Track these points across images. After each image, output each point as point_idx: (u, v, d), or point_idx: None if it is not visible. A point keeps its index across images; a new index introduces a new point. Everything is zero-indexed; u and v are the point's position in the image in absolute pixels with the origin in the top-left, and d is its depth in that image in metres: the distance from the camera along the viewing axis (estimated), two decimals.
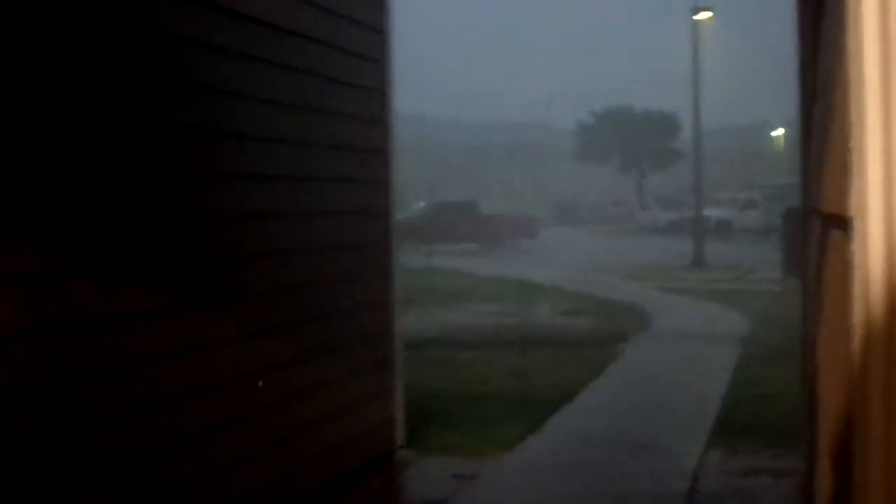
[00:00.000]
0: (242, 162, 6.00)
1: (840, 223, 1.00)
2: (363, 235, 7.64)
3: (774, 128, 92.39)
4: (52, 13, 4.37)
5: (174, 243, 5.25)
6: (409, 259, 27.36)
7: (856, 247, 0.92)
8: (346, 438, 7.17)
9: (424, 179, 79.80)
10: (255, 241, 6.10)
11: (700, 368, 12.32)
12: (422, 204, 47.19)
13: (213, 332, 5.55)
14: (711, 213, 48.74)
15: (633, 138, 74.62)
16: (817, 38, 1.60)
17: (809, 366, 2.98)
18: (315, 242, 6.87)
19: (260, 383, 5.93)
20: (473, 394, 10.47)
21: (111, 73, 4.77)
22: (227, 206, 5.80)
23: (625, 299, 20.58)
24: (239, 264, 5.90)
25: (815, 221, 2.15)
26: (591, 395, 10.61)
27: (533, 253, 39.75)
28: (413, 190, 67.57)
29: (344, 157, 7.34)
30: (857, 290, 0.90)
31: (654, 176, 78.98)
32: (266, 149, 6.26)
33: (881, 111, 0.84)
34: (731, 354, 13.20)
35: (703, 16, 35.79)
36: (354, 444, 7.30)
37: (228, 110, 5.86)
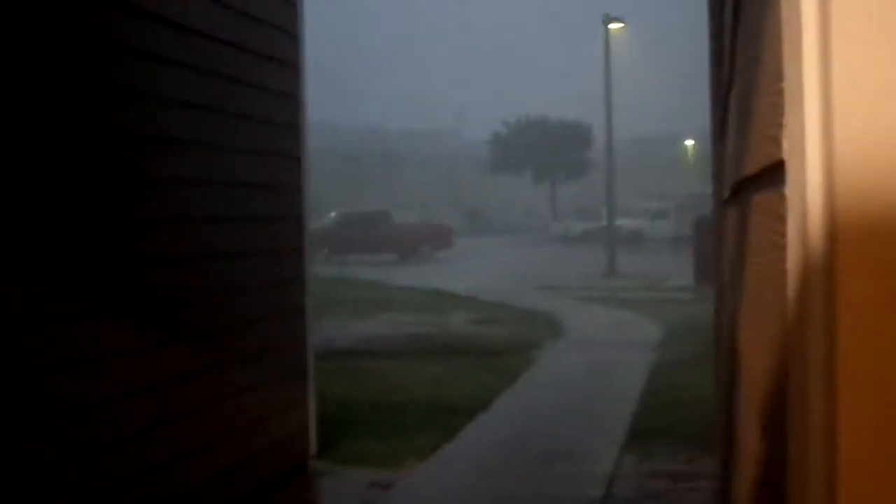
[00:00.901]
0: (155, 165, 5.86)
1: (769, 178, 0.96)
2: (276, 242, 7.52)
3: (685, 139, 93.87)
4: None
5: (84, 248, 5.10)
6: (321, 269, 27.24)
7: (790, 188, 0.87)
8: (259, 448, 7.05)
9: (336, 189, 79.65)
10: (167, 245, 5.96)
11: (614, 375, 12.37)
12: (333, 214, 46.98)
13: (121, 340, 5.40)
14: (624, 222, 49.33)
15: (546, 149, 75.27)
16: (737, 15, 1.58)
17: (726, 362, 2.96)
18: (228, 248, 6.74)
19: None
20: (387, 403, 10.39)
21: (34, 74, 4.62)
22: (138, 209, 5.66)
23: (538, 308, 20.67)
24: (150, 270, 5.76)
25: (731, 211, 2.12)
26: (506, 403, 10.59)
27: (447, 263, 39.80)
28: (325, 199, 67.38)
29: (257, 162, 7.22)
30: (791, 233, 0.85)
31: (567, 186, 79.73)
32: (179, 152, 6.13)
33: (817, 41, 0.79)
34: (644, 361, 13.29)
35: (615, 26, 36.15)
36: (267, 455, 7.18)
37: (143, 113, 5.72)
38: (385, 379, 11.99)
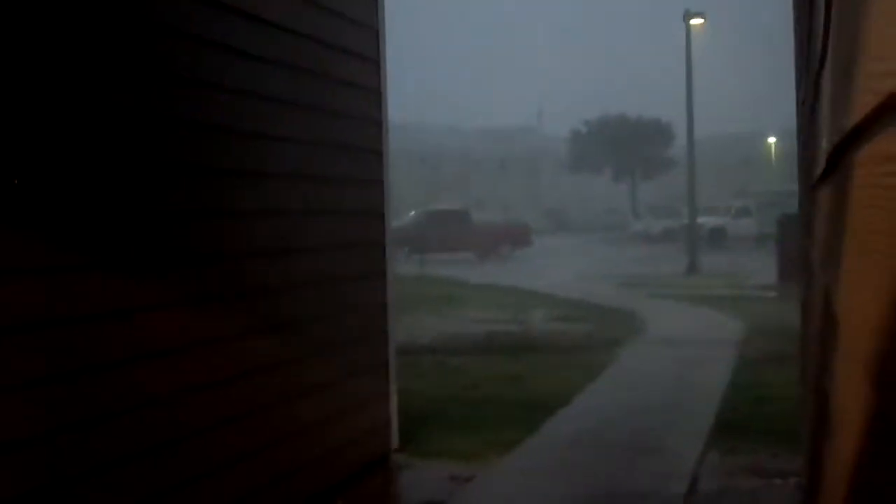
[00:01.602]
0: (241, 159, 5.93)
1: (877, 122, 0.93)
2: (359, 236, 7.57)
3: (768, 136, 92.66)
4: (52, 7, 4.30)
5: (174, 239, 5.18)
6: (401, 267, 27.35)
7: None
8: (342, 440, 7.09)
9: (415, 188, 79.92)
10: (253, 238, 6.03)
11: (697, 372, 12.25)
12: (413, 213, 47.14)
13: (208, 330, 5.48)
14: (705, 221, 48.84)
15: (626, 147, 74.84)
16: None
17: (817, 342, 2.90)
18: (312, 241, 6.80)
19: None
20: (467, 398, 10.40)
21: (114, 69, 4.70)
22: (226, 203, 5.73)
23: (619, 306, 20.53)
24: (236, 262, 5.83)
25: (823, 191, 2.08)
26: (587, 399, 10.54)
27: (527, 261, 39.71)
28: (404, 199, 67.68)
29: (342, 156, 7.27)
30: None
31: (647, 184, 79.20)
32: (264, 146, 6.20)
33: None
34: (727, 358, 13.14)
35: (696, 22, 35.75)
36: (350, 447, 7.22)
37: (227, 107, 5.79)
38: (465, 375, 12.00)
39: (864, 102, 1.03)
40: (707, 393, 10.58)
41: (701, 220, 42.75)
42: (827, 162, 1.84)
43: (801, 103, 5.39)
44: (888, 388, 0.86)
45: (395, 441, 7.98)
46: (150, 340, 4.95)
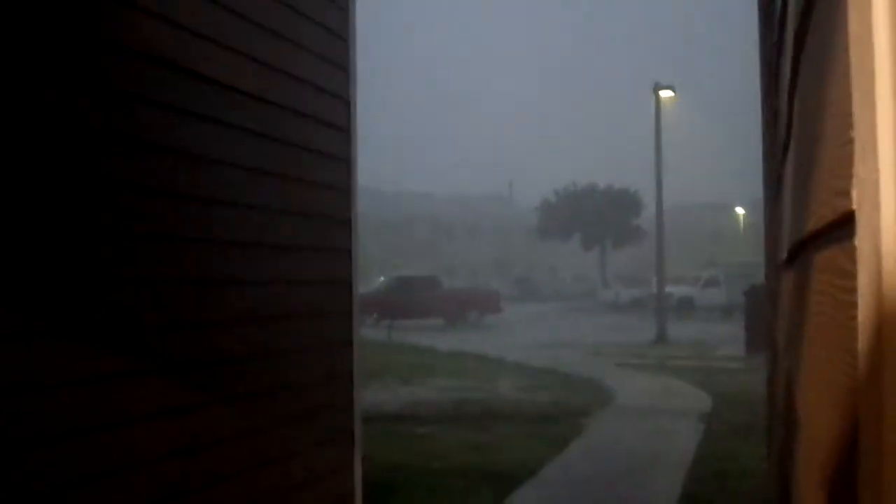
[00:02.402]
0: (207, 226, 5.89)
1: (835, 234, 0.93)
2: (326, 305, 7.52)
3: (736, 207, 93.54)
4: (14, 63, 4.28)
5: (136, 307, 5.13)
6: (369, 333, 27.26)
7: (861, 241, 0.84)
8: None
9: (385, 254, 79.95)
10: (215, 306, 5.98)
11: (664, 444, 12.21)
12: (382, 278, 47.14)
13: (167, 399, 5.40)
14: (674, 290, 49.13)
15: (595, 215, 75.27)
16: (794, 75, 1.56)
17: (782, 425, 2.90)
18: (277, 310, 6.75)
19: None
20: (433, 469, 10.32)
21: (76, 135, 4.68)
22: (190, 270, 5.69)
23: (588, 375, 20.51)
24: (197, 330, 5.77)
25: (787, 273, 2.09)
26: (554, 471, 10.47)
27: (495, 329, 39.70)
28: (374, 264, 67.68)
29: (308, 224, 7.25)
30: (863, 286, 0.82)
31: (616, 253, 79.56)
32: (232, 213, 6.17)
33: (891, 86, 0.77)
34: (694, 430, 13.12)
35: (665, 94, 36.18)
36: None
37: (195, 173, 5.77)
38: (431, 444, 11.92)
39: (819, 214, 1.03)
40: (673, 466, 10.54)
41: (669, 289, 43.01)
42: (788, 252, 1.84)
43: (767, 179, 5.43)
44: (840, 501, 0.85)
45: None
46: (112, 409, 4.88)
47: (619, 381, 19.65)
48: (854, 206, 0.85)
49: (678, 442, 12.24)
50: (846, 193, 0.87)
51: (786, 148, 1.97)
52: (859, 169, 0.83)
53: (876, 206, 0.79)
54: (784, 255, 2.17)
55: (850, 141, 0.85)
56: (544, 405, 15.97)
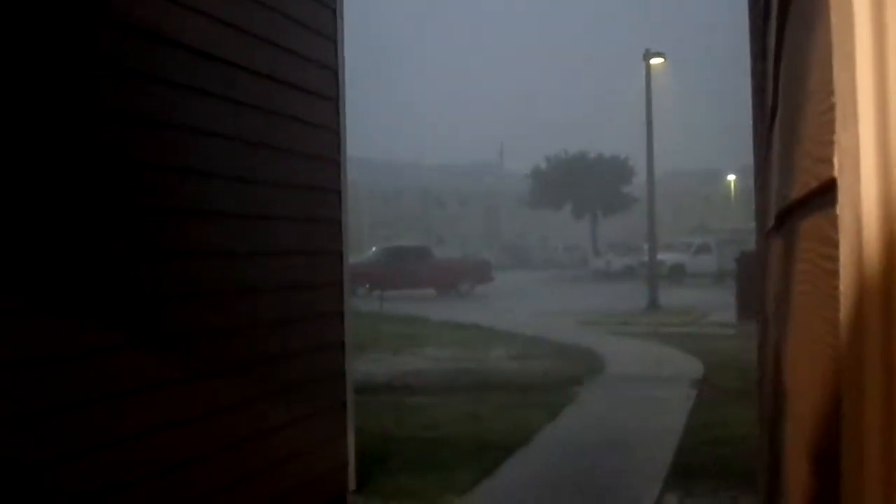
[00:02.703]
0: (197, 199, 5.87)
1: (818, 201, 0.92)
2: (316, 276, 7.52)
3: (727, 174, 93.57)
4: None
5: (127, 280, 5.11)
6: (361, 304, 27.27)
7: (842, 209, 0.83)
8: (298, 482, 7.01)
9: (376, 224, 79.92)
10: (209, 279, 5.97)
11: (655, 411, 12.24)
12: (374, 249, 47.12)
13: (161, 372, 5.40)
14: (665, 257, 49.18)
15: (586, 183, 75.16)
16: (780, 43, 1.54)
17: (770, 395, 2.90)
18: (268, 282, 6.74)
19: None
20: (426, 438, 10.33)
21: (63, 104, 4.65)
22: (180, 243, 5.67)
23: (579, 343, 20.53)
24: (191, 303, 5.76)
25: (775, 240, 2.08)
26: (546, 439, 10.50)
27: (487, 298, 39.72)
28: (365, 235, 67.64)
29: (298, 195, 7.23)
30: (844, 255, 0.81)
31: (608, 221, 79.52)
32: (221, 186, 6.15)
33: (871, 49, 0.75)
34: (686, 397, 13.15)
35: (656, 61, 36.10)
36: (306, 488, 7.14)
37: (183, 146, 5.75)
38: (424, 414, 11.93)
39: (803, 181, 1.02)
40: (665, 433, 10.57)
41: (661, 256, 43.05)
42: (775, 218, 1.84)
43: (756, 145, 5.42)
44: (825, 473, 0.84)
45: (352, 483, 7.91)
46: (105, 382, 4.88)
47: (610, 348, 19.68)
48: (835, 174, 0.84)
49: (670, 409, 12.27)
50: (828, 160, 0.86)
51: (773, 113, 1.96)
52: (840, 136, 0.82)
53: (857, 174, 0.78)
54: (772, 221, 2.16)
55: (832, 107, 0.84)
56: (536, 374, 16.00)
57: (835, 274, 0.85)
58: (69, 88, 4.73)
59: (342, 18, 7.99)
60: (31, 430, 4.38)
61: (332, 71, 7.81)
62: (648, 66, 35.70)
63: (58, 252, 4.60)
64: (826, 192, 0.89)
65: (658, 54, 36.04)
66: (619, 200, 76.21)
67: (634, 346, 20.48)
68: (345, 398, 7.86)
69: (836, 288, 0.85)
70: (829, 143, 0.86)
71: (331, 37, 7.81)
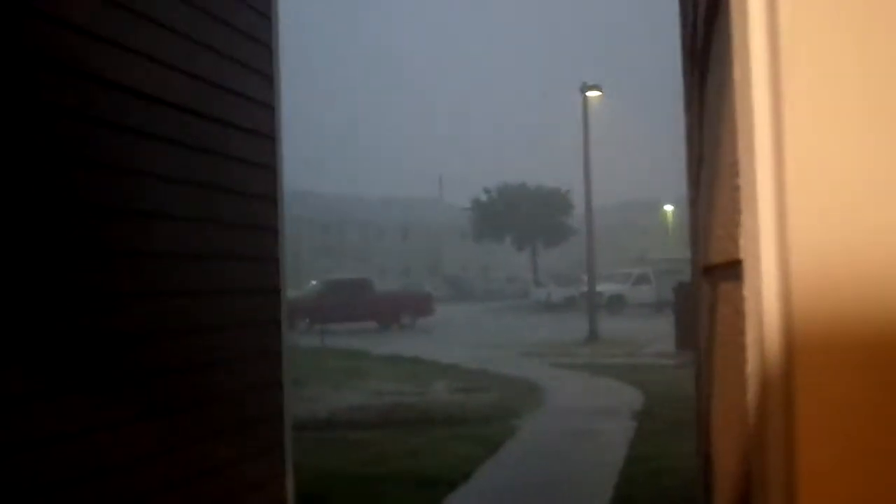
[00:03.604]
0: (133, 238, 5.81)
1: (731, 272, 0.93)
2: (253, 315, 7.45)
3: (664, 204, 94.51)
4: None
5: (63, 322, 5.03)
6: (301, 339, 27.11)
7: (747, 290, 0.84)
8: None
9: (316, 257, 79.61)
10: (139, 319, 5.89)
11: (596, 444, 12.28)
12: (314, 282, 46.94)
13: (91, 417, 5.31)
14: (605, 288, 49.54)
15: (527, 215, 75.56)
16: (701, 99, 1.56)
17: (703, 436, 2.91)
18: (203, 321, 6.67)
19: None
20: (367, 475, 10.28)
21: (12, 148, 4.58)
22: (110, 283, 5.60)
23: (520, 376, 20.58)
24: (121, 344, 5.68)
25: (705, 284, 2.10)
26: (487, 474, 10.49)
27: (429, 331, 39.69)
28: (305, 268, 67.34)
29: (234, 234, 7.18)
30: (750, 336, 0.82)
31: (548, 252, 79.91)
32: (154, 225, 6.08)
33: (770, 141, 0.76)
34: (626, 429, 13.21)
35: (592, 94, 36.43)
36: None
37: (119, 186, 5.68)
38: (365, 450, 11.87)
39: (718, 248, 1.03)
40: (606, 465, 10.60)
41: (600, 287, 43.40)
42: (703, 269, 1.85)
43: (690, 183, 5.46)
44: None
45: None
46: (40, 427, 4.79)
47: (551, 381, 19.75)
48: (741, 256, 0.85)
49: (611, 441, 12.32)
50: (735, 241, 0.87)
51: (700, 162, 1.98)
52: (744, 219, 0.83)
53: (758, 259, 0.79)
54: (700, 266, 2.18)
55: (737, 188, 0.85)
56: (478, 407, 15.99)
57: (745, 350, 0.86)
58: (11, 131, 4.67)
59: (278, 55, 7.98)
60: None
61: (269, 108, 7.78)
62: (585, 99, 36.03)
63: None
64: (735, 266, 0.90)
65: (594, 87, 36.37)
66: (559, 232, 76.69)
67: (575, 378, 20.55)
68: (283, 438, 7.78)
69: (745, 366, 0.86)
70: (736, 224, 0.87)
71: (267, 74, 7.79)
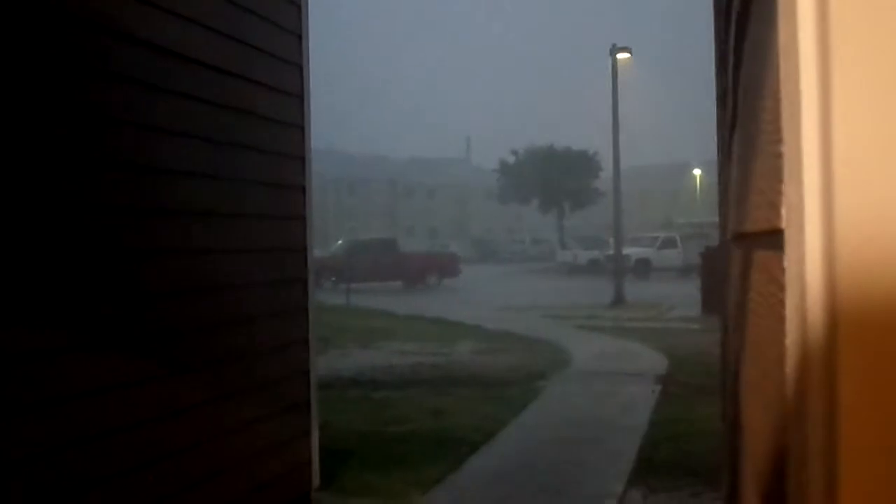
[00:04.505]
0: (159, 197, 5.83)
1: (768, 241, 0.92)
2: (280, 273, 7.48)
3: (693, 168, 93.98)
4: None
5: (95, 280, 5.07)
6: (327, 297, 27.20)
7: (789, 261, 0.82)
8: (262, 481, 6.99)
9: (343, 216, 79.68)
10: (169, 277, 5.92)
11: (620, 406, 12.28)
12: (340, 241, 47.04)
13: (122, 372, 5.36)
14: (631, 251, 49.36)
15: (553, 177, 75.31)
16: (738, 61, 1.54)
17: (731, 402, 2.90)
18: (231, 279, 6.70)
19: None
20: (391, 434, 10.33)
21: (36, 107, 4.60)
22: (140, 241, 5.63)
23: (545, 338, 20.57)
24: (151, 301, 5.72)
25: (736, 250, 2.08)
26: (511, 435, 10.52)
27: (454, 291, 39.74)
28: (332, 227, 67.44)
29: (261, 193, 7.20)
30: (790, 307, 0.81)
31: (575, 215, 79.70)
32: (182, 184, 6.10)
33: (817, 108, 0.75)
34: (650, 392, 13.20)
35: (622, 56, 36.17)
36: (270, 487, 7.12)
37: (148, 144, 5.70)
38: (389, 409, 11.92)
39: (755, 216, 1.02)
40: (629, 429, 10.61)
41: (627, 250, 43.23)
42: (733, 235, 1.84)
43: (720, 147, 5.42)
44: None
45: (316, 480, 7.88)
46: (70, 383, 4.84)
47: (576, 343, 19.73)
48: (783, 225, 0.84)
49: (634, 404, 12.32)
50: (776, 209, 0.86)
51: (732, 126, 1.96)
52: (788, 188, 0.82)
53: (801, 229, 0.77)
54: (730, 233, 2.17)
55: (780, 155, 0.84)
56: (502, 369, 16.01)
57: (783, 319, 0.85)
58: (36, 88, 4.69)
59: (307, 13, 7.95)
60: (14, 427, 4.35)
61: (297, 66, 7.77)
62: (615, 61, 35.77)
63: (28, 254, 4.55)
64: (775, 236, 0.88)
65: (624, 49, 36.10)
66: (586, 195, 76.44)
67: (600, 341, 20.53)
68: (309, 395, 7.83)
69: (783, 334, 0.85)
70: (778, 192, 0.85)
71: (295, 32, 7.78)
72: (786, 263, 0.84)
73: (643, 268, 51.06)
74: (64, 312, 4.91)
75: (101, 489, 5.12)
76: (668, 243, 54.98)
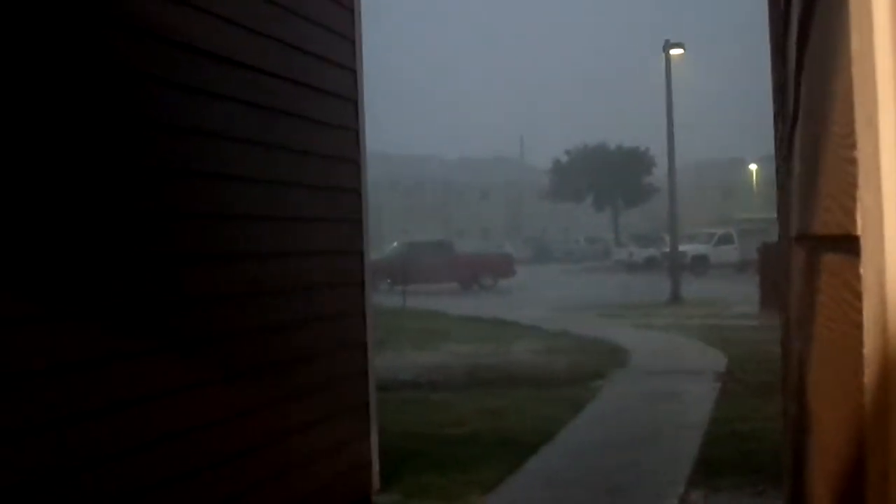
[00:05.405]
0: (220, 202, 5.89)
1: (838, 245, 0.91)
2: (338, 276, 7.53)
3: (749, 163, 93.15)
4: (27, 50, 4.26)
5: (154, 284, 5.13)
6: (383, 299, 27.28)
7: (866, 269, 0.82)
8: (322, 483, 7.03)
9: (398, 219, 79.89)
10: (232, 281, 5.98)
11: (679, 405, 12.21)
12: (395, 244, 47.16)
13: (183, 376, 5.42)
14: (687, 248, 49.02)
15: (607, 175, 75.04)
16: (800, 56, 1.52)
17: (795, 400, 2.88)
18: (291, 283, 6.76)
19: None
20: (450, 436, 10.34)
21: (84, 112, 4.66)
22: (203, 246, 5.69)
23: (602, 337, 20.48)
24: (212, 306, 5.78)
25: (799, 249, 2.06)
26: (570, 435, 10.49)
27: (509, 292, 39.70)
28: (387, 230, 67.67)
29: (318, 196, 7.25)
30: (868, 317, 0.80)
31: (629, 212, 79.35)
32: (242, 189, 6.16)
33: (894, 115, 0.74)
34: (709, 390, 13.11)
35: (675, 52, 35.95)
36: (330, 490, 7.16)
37: (205, 150, 5.76)
38: (447, 411, 11.93)
39: (825, 219, 1.01)
40: (690, 428, 10.54)
41: (683, 247, 42.94)
42: (797, 234, 1.82)
43: (777, 143, 5.38)
44: None
45: (376, 482, 7.92)
46: (129, 387, 4.90)
47: (633, 341, 19.63)
48: (858, 232, 0.83)
49: (694, 403, 12.24)
50: (851, 215, 0.85)
51: (794, 121, 1.95)
52: (864, 195, 0.81)
53: (880, 240, 0.77)
54: (793, 231, 2.15)
55: (854, 162, 0.83)
56: (559, 369, 15.97)
57: (859, 326, 0.84)
58: (86, 94, 4.75)
59: (360, 18, 7.99)
60: (60, 436, 4.41)
61: (350, 71, 7.81)
62: (668, 57, 35.56)
63: (80, 259, 4.62)
64: (849, 242, 0.88)
65: (678, 45, 35.88)
66: (641, 191, 76.08)
67: (657, 339, 20.41)
68: (367, 398, 7.87)
69: (860, 340, 0.84)
70: (852, 198, 0.85)
71: (349, 37, 7.82)
72: (862, 271, 0.83)
73: (700, 265, 50.70)
74: (130, 318, 4.97)
75: (161, 492, 5.17)
76: (725, 239, 54.56)
